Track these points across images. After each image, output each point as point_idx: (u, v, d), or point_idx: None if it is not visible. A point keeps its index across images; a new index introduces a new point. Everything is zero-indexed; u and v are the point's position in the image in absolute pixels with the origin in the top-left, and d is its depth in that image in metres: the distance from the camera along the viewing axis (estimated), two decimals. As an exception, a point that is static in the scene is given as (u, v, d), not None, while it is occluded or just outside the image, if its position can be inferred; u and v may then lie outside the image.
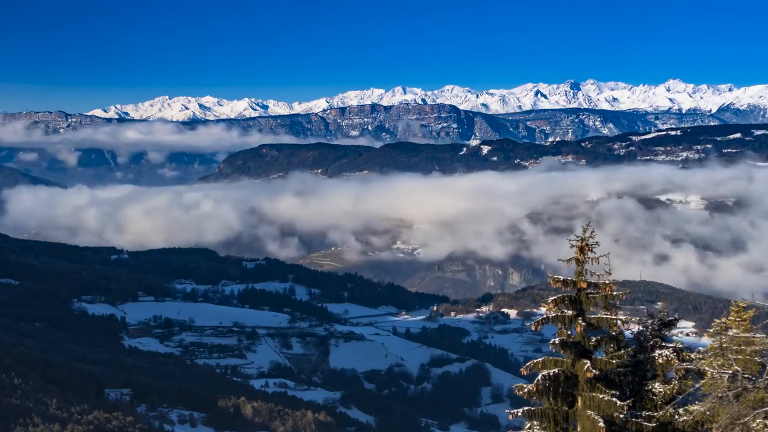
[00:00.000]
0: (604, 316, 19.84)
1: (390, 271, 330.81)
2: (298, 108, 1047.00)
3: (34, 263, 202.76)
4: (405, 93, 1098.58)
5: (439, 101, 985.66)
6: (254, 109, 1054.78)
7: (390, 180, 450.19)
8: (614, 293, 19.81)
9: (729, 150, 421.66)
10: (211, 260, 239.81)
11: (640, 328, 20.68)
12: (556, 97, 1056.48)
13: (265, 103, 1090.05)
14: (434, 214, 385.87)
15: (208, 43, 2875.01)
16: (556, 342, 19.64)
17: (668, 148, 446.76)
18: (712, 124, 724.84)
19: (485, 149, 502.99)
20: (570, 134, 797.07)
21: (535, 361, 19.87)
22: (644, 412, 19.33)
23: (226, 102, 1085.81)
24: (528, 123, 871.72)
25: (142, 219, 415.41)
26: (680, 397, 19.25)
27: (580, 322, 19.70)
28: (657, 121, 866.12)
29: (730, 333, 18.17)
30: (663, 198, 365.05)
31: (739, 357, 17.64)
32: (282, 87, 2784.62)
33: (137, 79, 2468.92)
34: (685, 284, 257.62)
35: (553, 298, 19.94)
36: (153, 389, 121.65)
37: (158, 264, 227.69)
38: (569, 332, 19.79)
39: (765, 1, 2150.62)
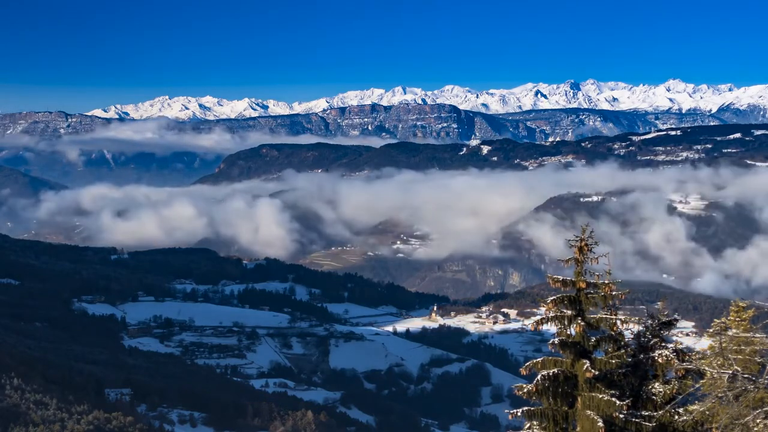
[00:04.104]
0: (604, 316, 19.83)
1: (390, 271, 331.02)
2: (298, 108, 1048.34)
3: (34, 263, 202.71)
4: (405, 93, 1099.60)
5: (439, 101, 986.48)
6: (254, 109, 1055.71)
7: (390, 180, 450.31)
8: (613, 293, 19.78)
9: (729, 150, 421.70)
10: (211, 260, 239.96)
11: (640, 328, 20.65)
12: (556, 97, 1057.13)
13: (265, 103, 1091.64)
14: (434, 214, 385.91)
15: (208, 43, 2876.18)
16: (556, 342, 19.61)
17: (668, 148, 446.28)
18: (712, 124, 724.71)
19: (485, 149, 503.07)
20: (570, 134, 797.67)
21: (534, 361, 19.83)
22: (644, 412, 19.31)
23: (226, 102, 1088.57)
24: (528, 123, 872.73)
25: (142, 219, 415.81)
26: (680, 397, 19.24)
27: (579, 322, 19.68)
28: (657, 121, 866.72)
29: (729, 333, 18.17)
30: (663, 198, 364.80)
31: (739, 357, 17.63)
32: (282, 87, 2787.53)
33: (137, 79, 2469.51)
34: (685, 284, 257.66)
35: (552, 298, 19.91)
36: (153, 389, 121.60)
37: (158, 264, 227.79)
38: (569, 332, 19.77)
39: (765, 1, 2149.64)
